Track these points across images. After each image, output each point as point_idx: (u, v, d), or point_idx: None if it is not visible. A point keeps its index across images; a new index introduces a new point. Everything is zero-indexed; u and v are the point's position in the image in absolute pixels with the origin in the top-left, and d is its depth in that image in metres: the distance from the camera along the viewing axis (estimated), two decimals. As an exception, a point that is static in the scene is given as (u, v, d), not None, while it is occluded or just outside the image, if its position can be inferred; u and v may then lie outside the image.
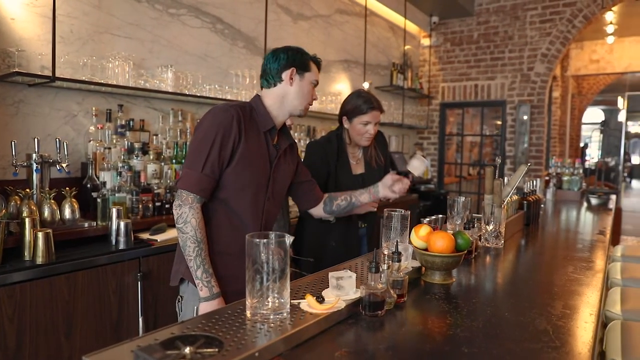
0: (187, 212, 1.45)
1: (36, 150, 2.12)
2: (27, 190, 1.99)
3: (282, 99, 1.62)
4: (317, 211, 1.92)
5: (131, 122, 2.72)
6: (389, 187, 1.85)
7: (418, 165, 1.88)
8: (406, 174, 1.90)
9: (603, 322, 2.04)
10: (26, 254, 1.86)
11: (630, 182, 17.75)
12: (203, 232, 1.47)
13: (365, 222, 2.24)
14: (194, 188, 1.46)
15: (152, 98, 2.90)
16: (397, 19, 5.61)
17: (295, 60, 1.61)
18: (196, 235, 1.45)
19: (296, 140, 3.88)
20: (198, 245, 1.45)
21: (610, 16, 6.58)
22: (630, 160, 18.79)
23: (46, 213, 2.05)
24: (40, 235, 1.84)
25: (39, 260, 1.83)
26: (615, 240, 6.48)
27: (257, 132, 1.58)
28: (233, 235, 1.54)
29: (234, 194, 1.53)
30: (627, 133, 12.78)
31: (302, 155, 2.47)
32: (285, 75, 1.61)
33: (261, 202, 1.59)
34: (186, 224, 1.45)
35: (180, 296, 1.58)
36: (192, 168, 1.46)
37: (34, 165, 2.10)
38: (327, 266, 1.59)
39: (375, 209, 2.12)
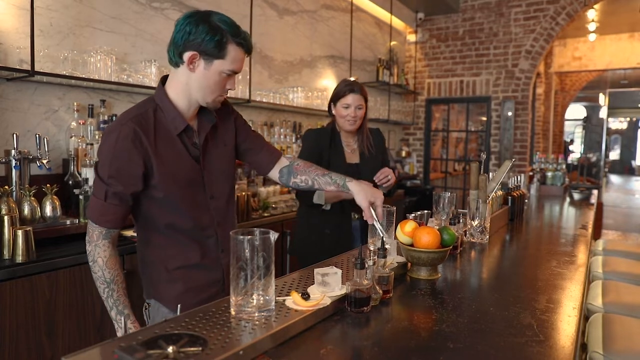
0: (92, 251, 1.32)
1: (15, 146, 2.07)
2: (6, 187, 1.95)
3: (186, 86, 1.32)
4: (275, 178, 1.64)
5: (114, 117, 2.67)
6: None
7: None
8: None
9: (585, 315, 2.08)
10: (5, 252, 1.82)
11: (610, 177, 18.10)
12: (113, 270, 1.32)
13: (358, 214, 2.25)
14: (100, 219, 1.30)
15: (136, 93, 2.85)
16: (383, 14, 5.61)
17: (203, 41, 1.26)
18: (104, 275, 1.31)
19: (282, 137, 3.89)
20: (108, 286, 1.32)
21: (592, 14, 6.68)
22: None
23: (26, 210, 2.00)
24: (20, 233, 1.80)
25: (19, 258, 1.79)
26: (596, 234, 6.60)
27: (169, 136, 1.34)
28: (190, 246, 1.41)
29: (172, 210, 1.37)
30: (608, 129, 13.01)
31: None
32: (186, 57, 1.27)
33: (205, 205, 1.43)
34: (94, 264, 1.32)
35: (147, 303, 1.49)
36: (97, 195, 1.31)
37: (13, 162, 2.05)
38: (322, 255, 1.60)
39: None
